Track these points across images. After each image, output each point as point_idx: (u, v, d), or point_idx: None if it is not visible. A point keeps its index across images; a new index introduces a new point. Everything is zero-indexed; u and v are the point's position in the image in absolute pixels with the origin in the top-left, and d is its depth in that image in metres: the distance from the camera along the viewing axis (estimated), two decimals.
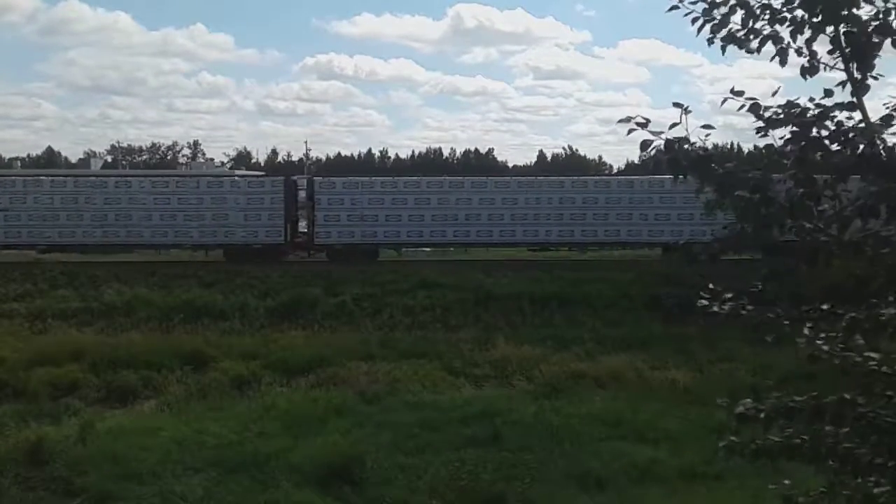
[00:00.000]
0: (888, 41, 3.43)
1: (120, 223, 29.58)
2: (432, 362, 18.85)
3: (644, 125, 3.51)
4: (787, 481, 4.24)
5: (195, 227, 29.49)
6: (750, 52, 3.61)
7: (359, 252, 29.46)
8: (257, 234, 29.61)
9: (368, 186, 30.57)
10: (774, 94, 3.55)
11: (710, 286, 3.95)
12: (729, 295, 3.88)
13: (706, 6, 3.59)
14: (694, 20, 3.62)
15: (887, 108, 3.53)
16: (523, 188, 30.48)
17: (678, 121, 3.53)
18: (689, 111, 3.52)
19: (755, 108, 3.51)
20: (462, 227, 29.93)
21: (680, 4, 3.62)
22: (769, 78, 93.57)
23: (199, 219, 29.45)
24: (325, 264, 28.96)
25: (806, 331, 3.77)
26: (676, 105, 3.53)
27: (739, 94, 3.53)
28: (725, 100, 3.55)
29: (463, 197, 30.01)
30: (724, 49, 3.64)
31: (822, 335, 3.77)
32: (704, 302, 3.93)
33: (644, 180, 30.36)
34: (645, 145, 3.55)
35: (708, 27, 3.64)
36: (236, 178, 34.66)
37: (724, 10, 3.59)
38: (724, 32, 3.63)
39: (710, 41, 3.63)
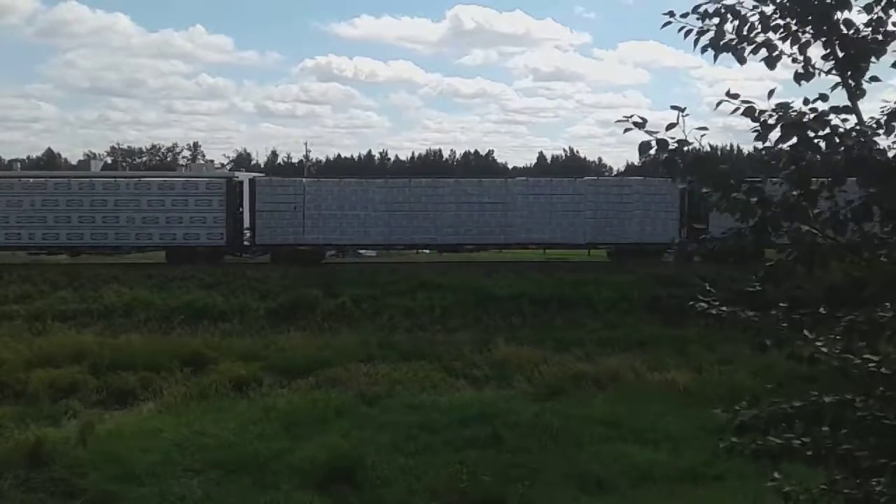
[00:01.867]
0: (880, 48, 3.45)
1: None
2: (432, 364, 18.85)
3: (641, 125, 3.52)
4: (781, 480, 4.23)
5: None
6: (742, 62, 3.61)
7: None
8: None
9: None
10: (770, 94, 3.56)
11: (708, 288, 3.96)
12: (722, 305, 3.89)
13: (698, 17, 3.60)
14: (686, 33, 3.62)
15: (883, 112, 3.54)
16: (29, 190, 29.57)
17: (676, 122, 3.54)
18: (687, 114, 3.52)
19: (750, 112, 3.51)
20: None
21: (672, 20, 3.62)
22: (767, 80, 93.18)
23: None
24: None
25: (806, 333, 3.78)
26: (674, 108, 3.54)
27: (735, 96, 3.53)
28: (720, 102, 3.56)
29: None
30: (715, 58, 3.65)
31: (821, 338, 3.78)
32: (703, 305, 3.93)
33: (131, 182, 30.51)
34: (644, 148, 3.55)
35: (702, 38, 3.64)
36: None
37: (716, 20, 3.59)
38: (718, 42, 3.63)
39: (704, 49, 3.64)
